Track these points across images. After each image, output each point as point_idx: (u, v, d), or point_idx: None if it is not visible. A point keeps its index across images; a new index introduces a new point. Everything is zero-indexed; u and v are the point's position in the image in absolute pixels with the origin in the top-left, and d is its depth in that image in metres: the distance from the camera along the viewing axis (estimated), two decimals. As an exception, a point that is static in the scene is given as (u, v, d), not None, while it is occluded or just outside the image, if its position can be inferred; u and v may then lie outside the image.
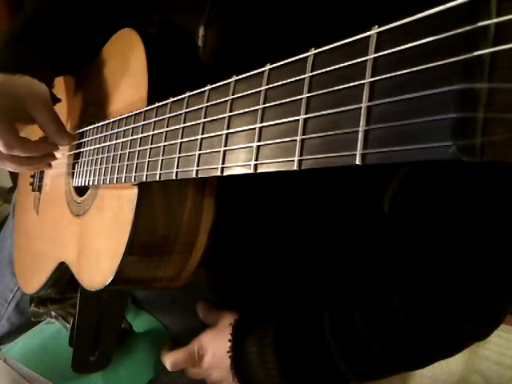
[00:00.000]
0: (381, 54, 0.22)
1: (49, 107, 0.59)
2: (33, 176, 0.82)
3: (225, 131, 0.32)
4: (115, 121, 0.51)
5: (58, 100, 0.65)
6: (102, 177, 0.53)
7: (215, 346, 0.59)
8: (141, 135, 0.45)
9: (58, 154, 0.69)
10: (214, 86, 0.35)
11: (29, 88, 0.58)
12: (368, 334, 0.50)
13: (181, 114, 0.38)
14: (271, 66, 0.29)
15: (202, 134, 0.35)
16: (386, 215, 0.53)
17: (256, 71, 0.30)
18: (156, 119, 0.42)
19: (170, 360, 0.62)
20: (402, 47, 0.21)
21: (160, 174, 0.40)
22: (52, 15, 0.67)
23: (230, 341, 0.58)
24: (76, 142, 0.64)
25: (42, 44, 0.63)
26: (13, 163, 0.60)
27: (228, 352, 0.57)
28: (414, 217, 0.51)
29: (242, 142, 0.31)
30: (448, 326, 0.48)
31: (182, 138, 0.38)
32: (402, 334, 0.49)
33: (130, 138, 0.47)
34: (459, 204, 0.46)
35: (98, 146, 0.56)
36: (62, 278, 0.70)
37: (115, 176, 0.49)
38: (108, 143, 0.52)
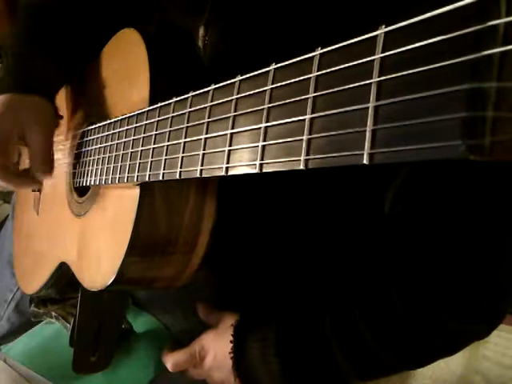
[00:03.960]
0: (388, 53, 0.22)
1: (46, 134, 0.60)
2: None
3: (229, 131, 0.32)
4: (117, 120, 0.51)
5: (61, 117, 0.65)
6: (104, 177, 0.53)
7: (216, 347, 0.59)
8: (144, 135, 0.44)
9: (58, 154, 0.69)
10: (218, 85, 0.35)
11: (35, 111, 0.59)
12: (369, 334, 0.50)
13: (184, 113, 0.38)
14: (276, 66, 0.29)
15: (206, 133, 0.35)
16: (387, 216, 0.53)
17: (261, 71, 0.30)
18: (159, 118, 0.42)
19: (171, 361, 0.62)
20: (410, 47, 0.21)
21: (163, 173, 0.40)
22: (55, 23, 0.67)
23: (231, 342, 0.57)
24: (77, 142, 0.64)
25: (54, 58, 0.64)
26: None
27: (229, 353, 0.57)
28: (414, 217, 0.51)
29: (246, 142, 0.30)
30: (448, 325, 0.48)
31: (185, 138, 0.38)
32: (403, 333, 0.49)
33: (132, 137, 0.47)
34: (459, 204, 0.46)
35: (99, 145, 0.56)
36: (63, 278, 0.70)
37: (117, 176, 0.49)
38: (110, 143, 0.52)
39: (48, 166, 0.60)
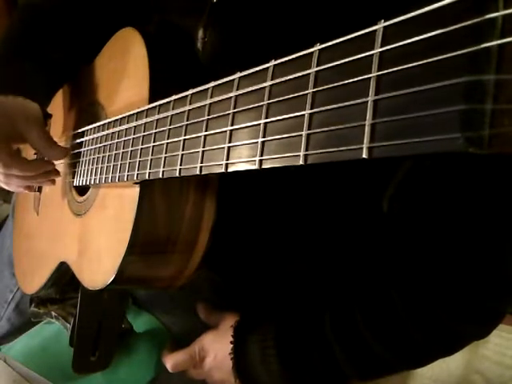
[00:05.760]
0: (387, 47, 0.22)
1: (39, 126, 0.60)
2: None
3: (229, 128, 0.32)
4: (117, 119, 0.51)
5: (50, 116, 0.66)
6: (104, 175, 0.53)
7: (217, 348, 0.59)
8: (143, 133, 0.44)
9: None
10: (217, 83, 0.35)
11: (21, 109, 0.59)
12: (369, 333, 0.50)
13: (184, 111, 0.38)
14: (276, 62, 0.29)
15: (206, 130, 0.35)
16: (386, 215, 0.53)
17: (260, 67, 0.30)
18: (159, 117, 0.42)
19: (170, 361, 0.62)
20: (409, 41, 0.21)
21: (163, 171, 0.40)
22: (50, 23, 0.67)
23: (231, 342, 0.57)
24: (77, 141, 0.64)
25: (36, 60, 0.64)
26: (15, 181, 0.61)
27: (230, 354, 0.57)
28: (413, 217, 0.51)
29: (246, 138, 0.31)
30: (448, 325, 0.49)
31: (185, 135, 0.38)
32: (403, 332, 0.49)
33: (132, 136, 0.47)
34: (459, 203, 0.46)
35: (99, 144, 0.56)
36: (63, 277, 0.70)
37: (117, 174, 0.49)
38: (110, 142, 0.52)
39: (57, 146, 0.61)
